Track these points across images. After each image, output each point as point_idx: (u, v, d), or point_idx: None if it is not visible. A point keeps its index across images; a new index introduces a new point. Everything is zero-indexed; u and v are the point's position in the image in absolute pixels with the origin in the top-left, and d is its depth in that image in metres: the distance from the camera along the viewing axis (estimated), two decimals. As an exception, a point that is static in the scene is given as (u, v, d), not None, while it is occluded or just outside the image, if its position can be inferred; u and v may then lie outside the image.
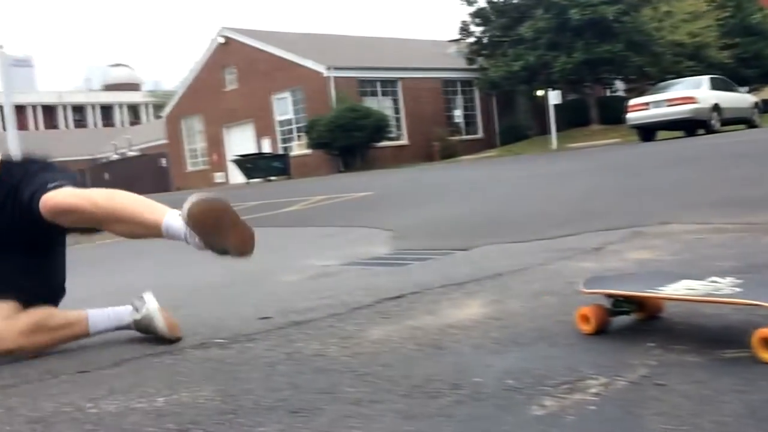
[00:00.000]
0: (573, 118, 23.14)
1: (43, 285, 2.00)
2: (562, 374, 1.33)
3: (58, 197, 1.85)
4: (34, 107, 66.60)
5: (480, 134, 28.07)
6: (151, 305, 2.00)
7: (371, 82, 25.69)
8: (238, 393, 1.42)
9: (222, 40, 28.88)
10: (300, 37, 29.80)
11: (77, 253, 5.51)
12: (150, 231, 1.88)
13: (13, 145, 8.73)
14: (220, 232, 1.76)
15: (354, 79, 24.91)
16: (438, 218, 5.30)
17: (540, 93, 22.91)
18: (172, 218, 1.85)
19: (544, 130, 22.50)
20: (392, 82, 26.17)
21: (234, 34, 28.67)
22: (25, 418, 1.37)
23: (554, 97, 19.87)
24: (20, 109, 56.79)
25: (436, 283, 2.45)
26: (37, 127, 65.00)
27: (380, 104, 25.23)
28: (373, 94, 25.78)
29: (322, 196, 9.53)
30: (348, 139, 22.21)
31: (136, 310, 2.02)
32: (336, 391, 1.38)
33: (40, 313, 1.90)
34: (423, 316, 1.99)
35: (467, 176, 10.91)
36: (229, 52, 28.72)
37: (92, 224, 1.96)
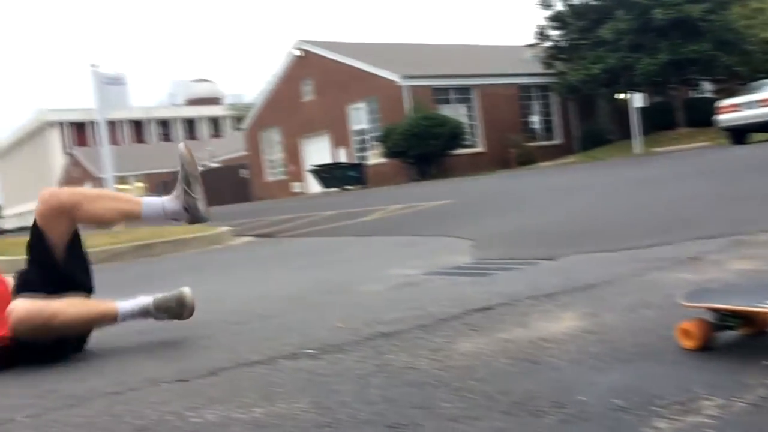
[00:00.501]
0: (658, 121, 22.26)
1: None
2: (672, 394, 1.26)
3: (51, 188, 2.42)
4: (123, 123, 70.15)
5: (558, 140, 27.44)
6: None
7: (445, 89, 25.62)
8: (334, 405, 1.42)
9: (299, 53, 29.54)
10: (374, 47, 30.09)
11: (167, 263, 5.73)
12: (132, 206, 2.35)
13: (107, 160, 9.19)
14: (198, 177, 2.34)
15: (428, 87, 24.90)
16: (520, 227, 5.20)
17: (622, 96, 22.19)
18: (152, 198, 2.39)
19: (626, 135, 21.74)
20: (467, 89, 26.00)
21: (310, 47, 29.27)
22: (130, 426, 1.42)
23: (638, 99, 19.20)
24: (112, 125, 60.00)
25: (524, 294, 2.39)
26: (125, 142, 68.39)
27: (455, 112, 25.11)
28: (448, 101, 25.68)
29: (400, 204, 9.55)
30: (423, 148, 22.20)
31: None
32: (432, 406, 1.36)
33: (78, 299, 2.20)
34: (514, 329, 1.94)
35: (547, 183, 10.68)
36: (305, 65, 29.33)
37: (83, 205, 2.26)
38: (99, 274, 5.76)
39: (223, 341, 2.20)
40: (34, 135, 73.47)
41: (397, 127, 23.13)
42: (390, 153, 23.81)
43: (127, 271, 5.69)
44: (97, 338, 2.34)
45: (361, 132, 27.48)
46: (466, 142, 24.46)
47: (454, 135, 22.90)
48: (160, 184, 45.93)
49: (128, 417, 1.44)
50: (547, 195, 8.07)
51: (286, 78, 30.89)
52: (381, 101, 25.71)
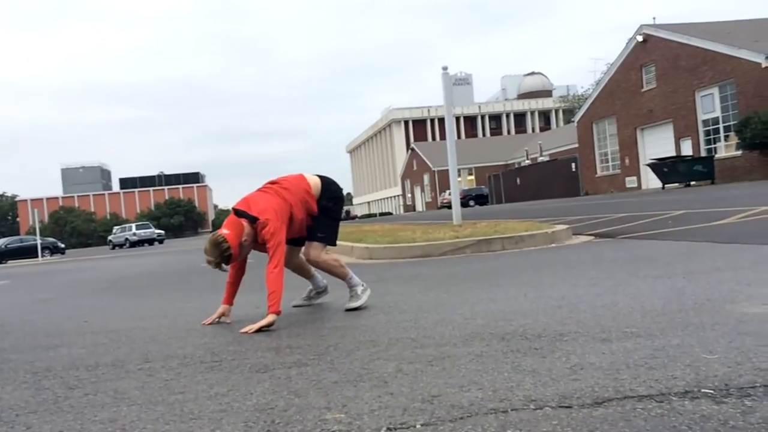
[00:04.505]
0: None
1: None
2: None
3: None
4: (457, 118, 74.43)
5: None
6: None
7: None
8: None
9: (640, 39, 27.71)
10: (731, 25, 26.67)
11: (506, 259, 5.71)
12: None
13: (452, 155, 9.71)
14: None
15: (808, 65, 21.17)
16: None
17: None
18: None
19: None
20: None
21: (654, 31, 27.23)
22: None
23: None
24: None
25: None
26: (459, 137, 72.50)
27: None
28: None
29: (766, 206, 8.23)
30: (795, 137, 19.00)
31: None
32: None
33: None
34: None
35: None
36: (647, 50, 27.40)
37: None
38: (449, 265, 5.98)
39: (594, 360, 2.03)
40: (381, 132, 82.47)
41: (759, 114, 20.17)
42: (748, 144, 20.93)
43: (472, 264, 5.87)
44: (456, 338, 2.36)
45: (711, 121, 24.64)
46: None
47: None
48: (488, 177, 47.61)
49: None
50: None
51: (625, 66, 29.29)
52: (739, 85, 22.69)
